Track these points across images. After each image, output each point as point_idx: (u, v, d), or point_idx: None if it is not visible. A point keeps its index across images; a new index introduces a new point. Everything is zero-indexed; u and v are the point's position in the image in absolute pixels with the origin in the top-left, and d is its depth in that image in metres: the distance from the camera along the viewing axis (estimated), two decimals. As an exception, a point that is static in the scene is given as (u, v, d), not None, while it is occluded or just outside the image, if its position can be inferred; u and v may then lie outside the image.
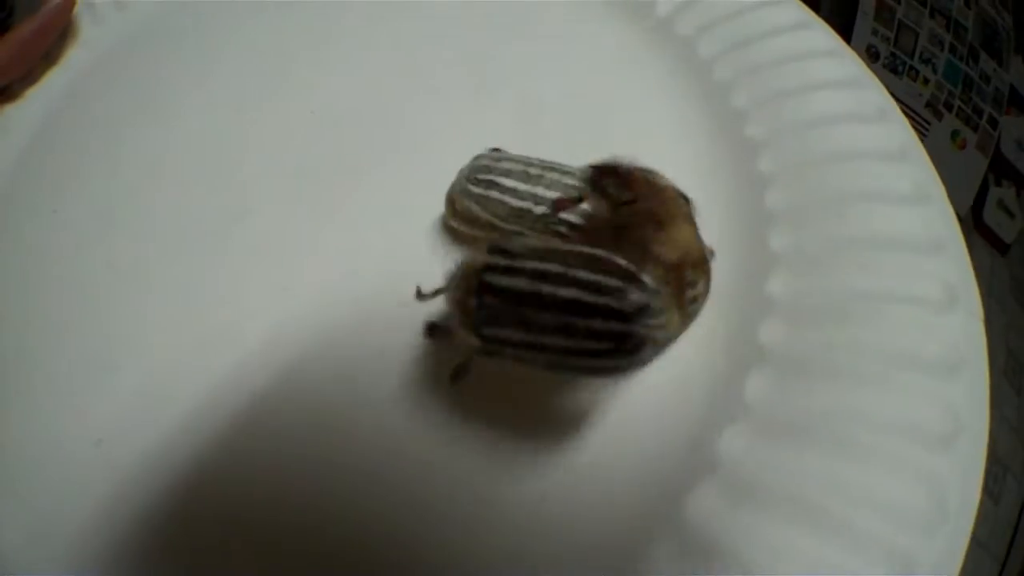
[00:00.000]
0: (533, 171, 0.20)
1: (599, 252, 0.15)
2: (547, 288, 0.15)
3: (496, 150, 0.22)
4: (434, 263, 0.21)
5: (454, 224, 0.22)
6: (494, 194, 0.20)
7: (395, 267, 0.21)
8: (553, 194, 0.19)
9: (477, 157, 0.21)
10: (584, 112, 0.25)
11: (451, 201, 0.21)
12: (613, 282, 0.15)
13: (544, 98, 0.26)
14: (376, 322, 0.21)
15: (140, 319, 0.22)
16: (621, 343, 0.15)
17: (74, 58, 0.31)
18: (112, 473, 0.19)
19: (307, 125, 0.27)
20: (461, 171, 0.21)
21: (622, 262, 0.15)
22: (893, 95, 0.25)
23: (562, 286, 0.15)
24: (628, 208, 0.17)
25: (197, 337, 0.21)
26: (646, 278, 0.15)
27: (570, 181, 0.20)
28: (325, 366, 0.20)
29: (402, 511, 0.18)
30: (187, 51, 0.31)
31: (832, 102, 0.23)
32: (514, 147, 0.23)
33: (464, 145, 0.24)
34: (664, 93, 0.26)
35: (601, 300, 0.15)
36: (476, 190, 0.20)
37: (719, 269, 0.19)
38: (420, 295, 0.20)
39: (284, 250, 0.23)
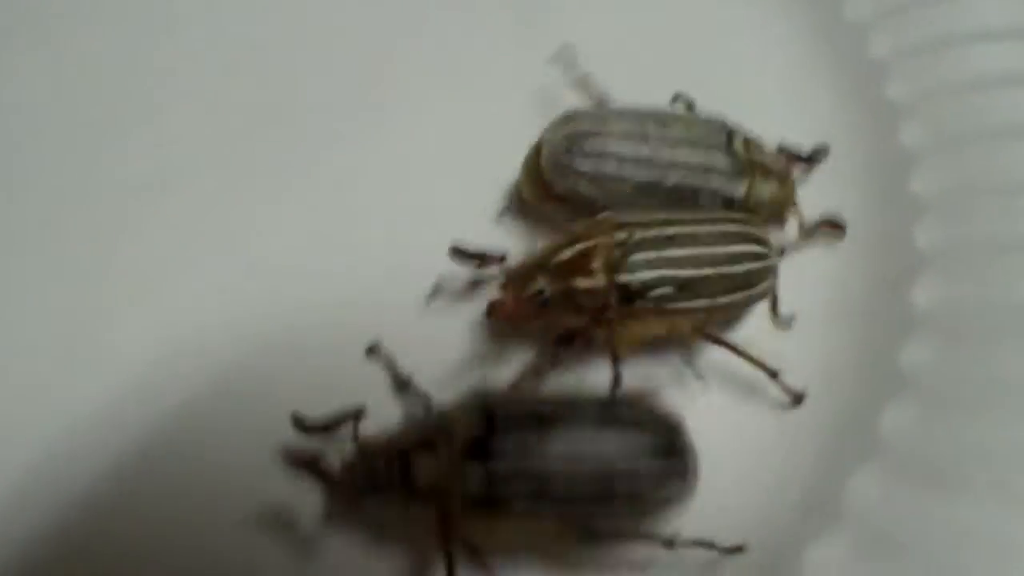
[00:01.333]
0: (651, 128, 0.16)
1: None
2: None
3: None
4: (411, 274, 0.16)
5: (540, 205, 0.17)
6: (609, 168, 0.16)
7: (352, 284, 0.17)
8: (683, 156, 0.16)
9: (569, 116, 0.16)
10: (666, 50, 0.20)
11: (539, 180, 0.16)
12: None
13: (607, 28, 0.21)
14: (311, 364, 0.16)
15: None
16: None
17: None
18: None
19: (249, 64, 0.20)
20: (549, 137, 0.16)
21: None
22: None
23: None
24: None
25: (53, 377, 0.17)
26: None
27: (701, 133, 0.16)
28: (211, 412, 0.16)
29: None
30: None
31: (1001, 57, 0.18)
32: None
33: (484, 98, 0.19)
34: (775, 33, 0.21)
35: None
36: (584, 166, 0.16)
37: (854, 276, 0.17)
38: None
39: (193, 256, 0.18)
